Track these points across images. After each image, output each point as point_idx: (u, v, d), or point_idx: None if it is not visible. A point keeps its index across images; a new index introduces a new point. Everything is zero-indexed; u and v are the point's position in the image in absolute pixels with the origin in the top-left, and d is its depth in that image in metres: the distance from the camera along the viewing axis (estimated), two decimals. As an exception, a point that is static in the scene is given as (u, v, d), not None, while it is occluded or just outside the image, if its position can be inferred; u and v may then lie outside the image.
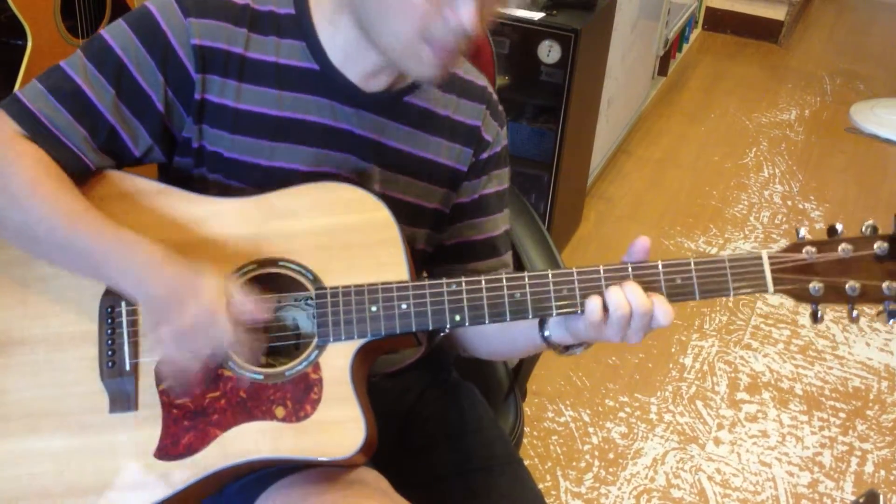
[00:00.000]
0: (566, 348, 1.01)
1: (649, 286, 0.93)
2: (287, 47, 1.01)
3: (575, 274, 0.94)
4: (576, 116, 2.42)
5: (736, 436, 2.15)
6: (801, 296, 0.93)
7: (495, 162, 1.14)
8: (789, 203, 3.10)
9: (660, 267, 0.94)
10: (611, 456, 2.08)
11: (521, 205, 1.51)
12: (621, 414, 2.19)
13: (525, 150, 2.44)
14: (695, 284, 0.93)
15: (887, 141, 3.53)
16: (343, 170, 1.04)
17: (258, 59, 1.00)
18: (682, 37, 3.90)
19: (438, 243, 1.15)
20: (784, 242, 3.13)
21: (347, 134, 1.04)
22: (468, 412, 1.23)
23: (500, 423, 1.29)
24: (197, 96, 0.99)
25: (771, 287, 0.93)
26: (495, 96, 1.15)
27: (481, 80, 1.13)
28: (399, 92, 1.05)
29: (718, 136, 3.50)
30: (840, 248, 0.92)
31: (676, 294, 0.94)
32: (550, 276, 0.94)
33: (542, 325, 1.00)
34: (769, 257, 0.93)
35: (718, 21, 4.37)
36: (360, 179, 1.05)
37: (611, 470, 2.04)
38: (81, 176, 0.98)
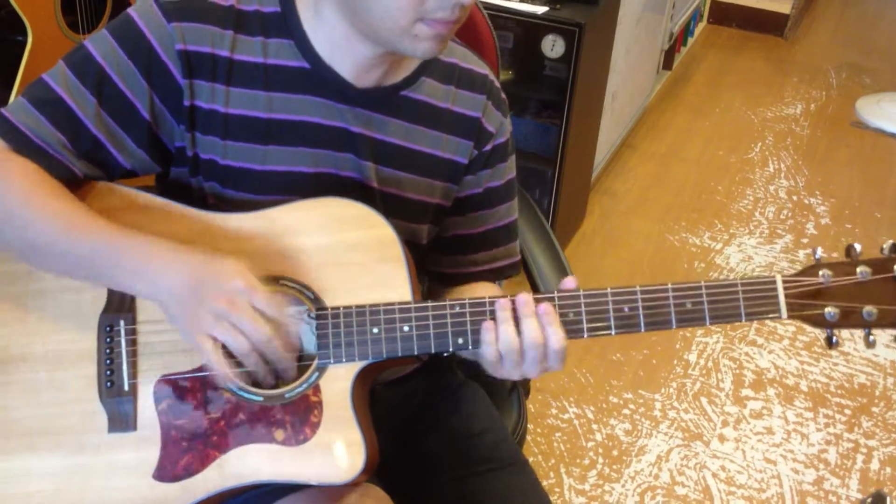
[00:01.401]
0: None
1: (657, 311, 0.91)
2: (275, 47, 0.99)
3: (581, 297, 0.92)
4: (580, 111, 2.40)
5: (741, 433, 2.14)
6: (815, 321, 0.90)
7: (500, 154, 1.12)
8: (795, 198, 3.08)
9: (669, 290, 0.91)
10: (615, 453, 2.07)
11: (524, 200, 1.50)
12: (625, 411, 2.18)
13: (529, 145, 2.43)
14: (705, 310, 0.91)
15: (893, 135, 3.51)
16: (341, 169, 1.03)
17: (245, 61, 0.98)
18: (686, 30, 3.88)
19: (436, 234, 1.13)
20: (789, 238, 3.09)
21: (342, 132, 1.02)
22: (473, 414, 1.21)
23: (504, 421, 1.28)
24: (186, 103, 0.98)
25: (785, 313, 0.90)
26: (497, 84, 1.12)
27: (482, 69, 1.10)
28: (394, 86, 1.03)
29: (723, 130, 3.48)
30: (858, 270, 0.88)
31: (686, 319, 0.91)
32: (557, 298, 0.92)
33: None
34: (783, 281, 0.90)
35: (724, 15, 4.34)
36: (358, 178, 1.04)
37: (615, 467, 2.03)
38: (75, 186, 0.97)
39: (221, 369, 0.90)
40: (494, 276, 1.16)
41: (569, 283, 0.94)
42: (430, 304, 0.94)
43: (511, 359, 0.92)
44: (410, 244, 1.09)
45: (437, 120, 1.07)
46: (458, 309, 0.93)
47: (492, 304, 0.93)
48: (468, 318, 0.93)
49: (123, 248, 0.91)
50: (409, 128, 1.05)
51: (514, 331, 0.91)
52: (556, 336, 0.91)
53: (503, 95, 1.13)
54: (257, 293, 0.88)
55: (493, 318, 0.92)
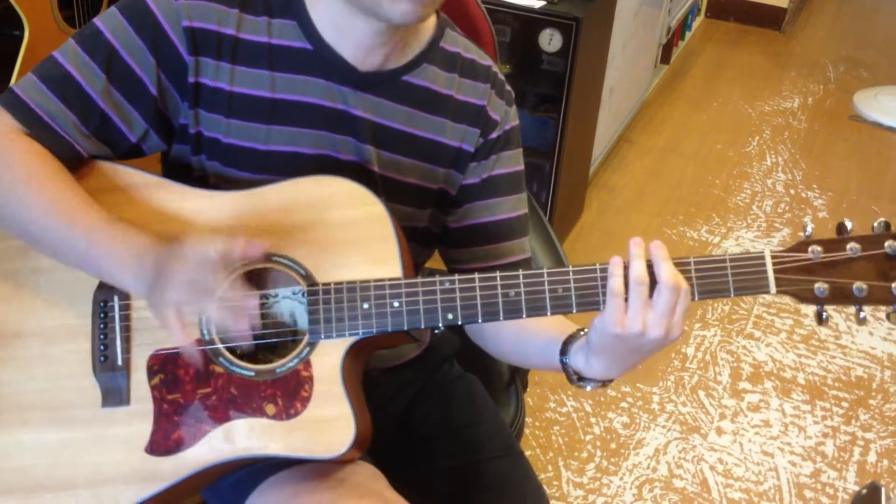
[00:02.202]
0: (580, 378, 0.98)
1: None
2: (279, 27, 1.00)
3: (571, 273, 0.92)
4: (577, 105, 2.40)
5: (738, 425, 2.15)
6: (804, 297, 0.89)
7: (504, 142, 1.12)
8: (792, 192, 3.08)
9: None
10: (613, 446, 2.07)
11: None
12: (623, 404, 2.19)
13: (526, 140, 2.41)
14: (694, 285, 0.90)
15: (890, 129, 3.51)
16: (340, 152, 1.03)
17: (251, 41, 0.99)
18: (684, 24, 3.88)
19: (446, 225, 1.13)
20: (787, 231, 3.10)
21: (344, 115, 1.02)
22: (469, 405, 1.22)
23: (501, 414, 1.29)
24: (191, 79, 0.98)
25: (773, 288, 0.89)
26: (501, 76, 1.12)
27: (485, 60, 1.11)
28: (396, 70, 1.04)
29: (721, 124, 3.48)
30: (848, 247, 0.87)
31: None
32: (546, 275, 0.92)
33: (564, 349, 0.98)
34: (772, 257, 0.89)
35: (721, 8, 4.34)
36: (359, 161, 1.04)
37: (613, 460, 2.04)
38: (76, 165, 0.98)
39: (185, 342, 0.89)
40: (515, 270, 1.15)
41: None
42: (419, 279, 0.94)
43: (639, 298, 0.87)
44: (410, 228, 1.09)
45: (440, 106, 1.07)
46: (447, 285, 0.94)
47: (530, 275, 0.91)
48: (458, 295, 0.94)
49: (109, 246, 0.91)
50: (411, 113, 1.05)
51: (645, 267, 0.87)
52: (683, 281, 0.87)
53: (508, 87, 1.13)
54: (207, 244, 0.87)
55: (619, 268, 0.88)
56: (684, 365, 2.32)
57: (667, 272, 0.87)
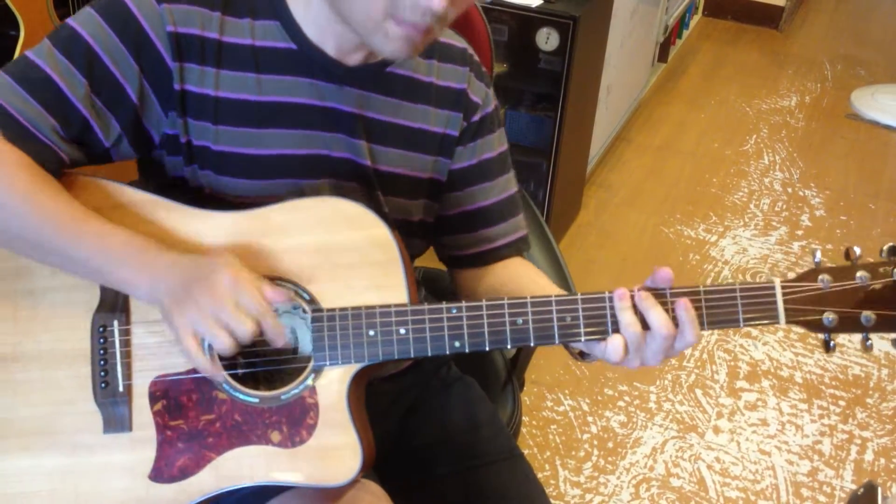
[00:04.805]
0: (581, 355, 0.98)
1: None
2: (262, 28, 0.98)
3: (579, 301, 0.91)
4: (575, 104, 2.40)
5: (735, 424, 2.15)
6: (813, 326, 0.89)
7: (489, 124, 1.11)
8: (790, 190, 3.08)
9: (668, 294, 0.90)
10: (610, 445, 2.07)
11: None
12: (620, 403, 2.19)
13: (524, 138, 2.43)
14: (703, 315, 0.90)
15: (888, 127, 3.51)
16: (332, 150, 1.02)
17: (234, 43, 0.97)
18: (682, 23, 3.88)
19: (439, 213, 1.13)
20: (784, 230, 3.08)
21: (333, 112, 1.01)
22: (468, 408, 1.21)
23: (499, 414, 1.28)
24: (177, 87, 0.96)
25: (783, 319, 0.89)
26: (476, 57, 1.12)
27: (460, 43, 1.11)
28: (380, 63, 1.03)
29: (718, 123, 3.48)
30: (857, 275, 0.88)
31: None
32: (554, 303, 0.91)
33: None
34: (782, 286, 0.89)
35: (719, 7, 4.34)
36: (351, 157, 1.03)
37: (610, 459, 2.04)
38: (64, 173, 0.95)
39: (208, 370, 0.89)
40: (511, 251, 1.15)
41: (664, 272, 0.91)
42: (426, 306, 0.93)
43: (634, 343, 0.90)
44: (405, 221, 1.08)
45: (423, 94, 1.07)
46: (454, 312, 0.92)
47: (515, 303, 0.92)
48: (465, 322, 0.92)
49: (123, 252, 0.90)
50: (398, 104, 1.05)
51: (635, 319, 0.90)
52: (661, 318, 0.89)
53: (484, 69, 1.13)
54: (243, 287, 0.87)
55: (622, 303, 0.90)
56: (681, 364, 2.32)
57: (657, 320, 0.89)
